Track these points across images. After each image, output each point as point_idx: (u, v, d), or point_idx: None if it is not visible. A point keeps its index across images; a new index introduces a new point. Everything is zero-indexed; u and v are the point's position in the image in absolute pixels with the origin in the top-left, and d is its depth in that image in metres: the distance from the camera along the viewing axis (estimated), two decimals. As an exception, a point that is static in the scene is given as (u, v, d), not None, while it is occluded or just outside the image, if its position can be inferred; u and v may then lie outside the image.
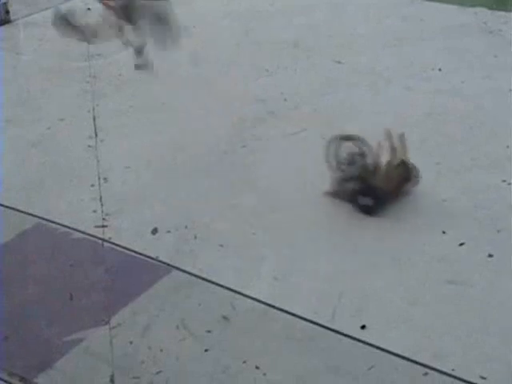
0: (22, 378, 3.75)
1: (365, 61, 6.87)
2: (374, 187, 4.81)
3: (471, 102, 6.08)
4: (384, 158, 4.94)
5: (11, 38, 7.78)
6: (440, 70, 6.61)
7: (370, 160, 4.88)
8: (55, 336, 3.98)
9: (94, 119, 5.85)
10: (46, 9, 8.23)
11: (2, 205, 5.05)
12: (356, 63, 6.82)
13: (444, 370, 3.70)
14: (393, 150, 4.92)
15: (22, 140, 5.85)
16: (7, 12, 7.88)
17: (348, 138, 4.94)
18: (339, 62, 6.83)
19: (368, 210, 4.82)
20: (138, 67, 6.44)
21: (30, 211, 4.96)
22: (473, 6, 7.79)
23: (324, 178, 5.18)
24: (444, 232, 4.69)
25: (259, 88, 6.45)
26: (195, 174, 5.34)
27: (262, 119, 5.98)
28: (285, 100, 6.23)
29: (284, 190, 5.15)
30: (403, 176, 4.93)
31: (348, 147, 4.92)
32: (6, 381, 3.74)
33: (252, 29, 7.58)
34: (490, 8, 7.78)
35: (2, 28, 7.83)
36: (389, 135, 4.93)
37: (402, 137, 4.95)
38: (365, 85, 6.43)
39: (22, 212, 4.96)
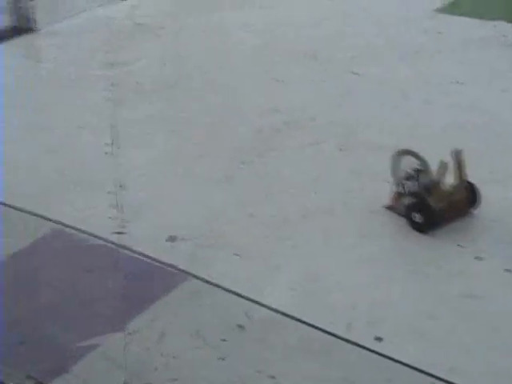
0: (38, 382, 3.74)
1: (382, 73, 6.85)
2: (427, 205, 4.76)
3: (489, 116, 6.06)
4: (446, 177, 4.88)
5: (35, 46, 7.85)
6: (458, 83, 6.59)
7: (428, 177, 4.84)
8: (71, 341, 3.99)
9: (113, 127, 5.86)
10: (69, 18, 8.31)
11: (20, 210, 5.08)
12: (373, 75, 6.81)
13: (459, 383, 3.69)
14: (456, 169, 4.87)
15: (42, 146, 5.88)
16: (33, 21, 7.92)
17: (409, 152, 4.91)
18: (356, 74, 6.83)
19: (419, 228, 4.77)
20: None
21: (48, 216, 4.97)
22: (492, 19, 7.79)
23: (340, 189, 5.20)
24: (460, 245, 4.66)
25: (276, 98, 6.46)
26: (212, 183, 5.34)
27: (278, 130, 5.98)
28: (301, 111, 6.24)
29: (300, 200, 5.14)
30: (462, 197, 4.88)
31: (409, 162, 4.90)
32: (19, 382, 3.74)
33: (269, 40, 7.60)
34: (510, 21, 7.78)
35: (27, 37, 7.87)
36: (455, 156, 4.86)
37: (460, 155, 4.87)
38: (382, 97, 6.42)
39: (39, 217, 4.98)
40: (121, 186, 5.21)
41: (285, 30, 7.81)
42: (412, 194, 4.85)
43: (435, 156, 4.89)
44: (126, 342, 3.97)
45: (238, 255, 4.61)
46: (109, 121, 5.98)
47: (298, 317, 4.11)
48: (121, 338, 3.99)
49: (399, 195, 4.93)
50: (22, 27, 7.86)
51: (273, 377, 3.76)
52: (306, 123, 5.99)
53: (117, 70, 6.94)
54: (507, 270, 4.43)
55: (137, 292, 4.33)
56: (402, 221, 4.86)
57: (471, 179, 4.93)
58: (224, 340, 3.99)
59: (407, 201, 4.86)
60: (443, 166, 4.85)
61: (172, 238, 4.76)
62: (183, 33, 7.88)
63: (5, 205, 5.13)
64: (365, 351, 3.90)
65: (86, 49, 7.46)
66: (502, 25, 7.71)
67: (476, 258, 4.56)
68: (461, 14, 7.94)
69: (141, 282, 4.41)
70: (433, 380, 3.71)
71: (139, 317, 4.14)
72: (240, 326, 4.07)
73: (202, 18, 8.21)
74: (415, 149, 4.94)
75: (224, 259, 4.59)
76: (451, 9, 8.10)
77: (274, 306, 4.19)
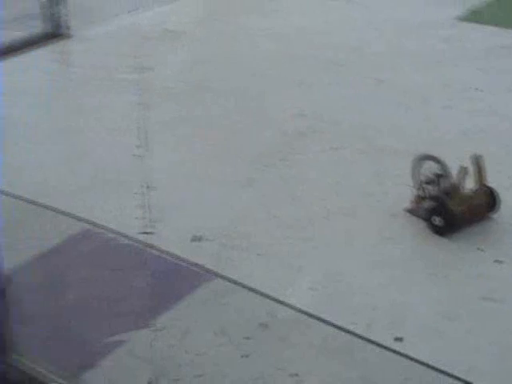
0: (67, 376, 3.75)
1: (404, 79, 6.84)
2: (447, 209, 4.73)
3: (509, 122, 6.03)
4: (466, 182, 4.85)
5: (67, 51, 7.90)
6: (478, 89, 6.55)
7: (448, 182, 4.82)
8: (99, 337, 3.99)
9: (141, 129, 5.87)
10: (100, 24, 8.37)
11: (53, 209, 5.09)
12: (395, 82, 6.80)
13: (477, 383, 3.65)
14: (476, 174, 4.83)
15: (73, 148, 5.91)
16: (66, 27, 7.97)
17: (429, 157, 4.89)
18: (379, 80, 6.81)
19: (439, 231, 4.74)
20: None
21: (79, 216, 4.99)
22: (512, 28, 7.76)
23: (362, 192, 5.18)
24: (479, 249, 4.62)
25: (300, 103, 6.45)
26: (237, 185, 5.34)
27: (302, 134, 5.97)
28: (324, 115, 6.22)
29: (322, 202, 5.12)
30: (481, 201, 4.84)
31: (429, 167, 4.87)
32: (51, 378, 3.74)
33: (293, 46, 7.61)
34: (530, 30, 7.75)
35: (60, 42, 7.92)
36: (475, 161, 4.83)
37: (479, 160, 4.84)
38: (403, 103, 6.39)
39: (70, 216, 5.00)
40: (148, 187, 5.20)
41: (308, 36, 7.82)
42: (432, 198, 4.82)
43: (455, 161, 4.87)
44: (152, 339, 3.96)
45: (261, 255, 4.60)
46: (137, 123, 5.97)
47: (320, 316, 4.09)
48: (147, 335, 3.99)
49: (420, 199, 4.90)
50: (56, 33, 7.91)
51: (295, 375, 3.75)
52: (329, 128, 5.98)
53: (145, 74, 6.94)
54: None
55: (163, 290, 4.32)
56: (423, 224, 4.82)
57: (491, 184, 4.88)
58: (247, 338, 3.98)
59: (427, 204, 4.82)
60: (463, 171, 4.82)
61: (197, 238, 4.76)
62: (209, 39, 7.91)
63: (38, 204, 5.15)
64: (385, 351, 3.88)
65: (116, 54, 7.49)
66: (523, 33, 7.65)
67: (495, 261, 4.52)
68: (482, 22, 7.89)
69: (167, 281, 4.41)
70: (451, 380, 3.67)
71: (165, 314, 4.14)
72: (263, 325, 4.05)
73: (227, 25, 8.24)
74: (436, 154, 4.91)
75: (248, 259, 4.58)
76: (472, 17, 8.07)
77: (296, 306, 4.17)
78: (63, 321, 4.15)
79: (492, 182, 4.90)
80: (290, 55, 7.43)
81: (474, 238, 4.73)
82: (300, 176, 5.44)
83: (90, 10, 8.85)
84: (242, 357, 3.87)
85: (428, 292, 4.31)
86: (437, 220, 4.74)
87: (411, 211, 4.94)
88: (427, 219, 4.80)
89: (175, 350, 3.92)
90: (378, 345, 3.91)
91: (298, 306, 4.17)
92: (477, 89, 6.57)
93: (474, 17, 8.06)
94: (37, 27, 7.98)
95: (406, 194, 4.98)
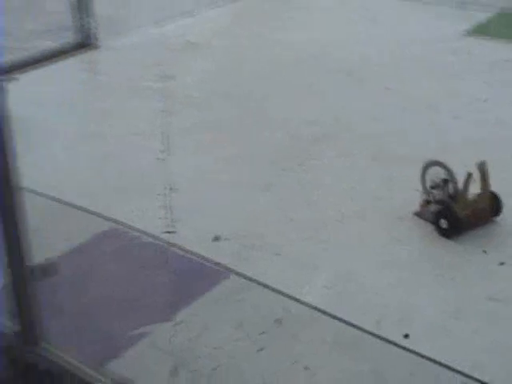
0: (94, 365, 3.77)
1: (414, 90, 6.82)
2: (452, 212, 4.73)
3: (512, 130, 6.02)
4: (471, 187, 4.84)
5: (95, 60, 7.93)
6: (485, 100, 6.54)
7: (454, 187, 4.82)
8: (124, 330, 4.02)
9: (164, 135, 5.89)
10: (126, 35, 8.41)
11: (81, 209, 5.12)
12: (406, 91, 6.78)
13: (483, 380, 3.63)
14: (480, 180, 4.83)
15: (101, 151, 5.94)
16: (95, 38, 8.02)
17: (436, 163, 4.89)
18: (389, 90, 6.80)
19: (444, 233, 4.74)
20: None
21: (105, 215, 5.01)
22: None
23: (373, 196, 5.18)
24: (485, 251, 4.61)
25: (315, 111, 6.46)
26: (255, 188, 5.34)
27: (317, 139, 5.96)
28: (338, 123, 6.22)
29: (336, 206, 5.12)
30: (485, 205, 4.83)
31: (436, 172, 4.87)
32: (98, 378, 3.76)
33: (308, 57, 7.61)
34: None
35: (89, 52, 7.95)
36: (480, 168, 4.82)
37: (483, 166, 4.83)
38: (413, 112, 6.38)
39: (98, 216, 5.02)
40: (170, 189, 5.22)
41: (323, 48, 7.81)
42: (439, 202, 4.82)
43: (462, 167, 4.86)
44: (173, 332, 3.98)
45: (277, 255, 4.61)
46: (160, 129, 6.01)
47: (332, 313, 4.09)
48: (168, 329, 4.01)
49: (427, 203, 4.90)
50: (85, 44, 7.95)
51: (307, 368, 3.75)
52: (342, 134, 5.97)
53: (168, 82, 6.96)
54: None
55: (184, 286, 4.34)
56: (430, 227, 4.82)
57: (495, 190, 4.87)
58: (263, 333, 3.98)
59: (434, 208, 4.82)
60: (468, 177, 4.82)
61: (217, 238, 4.77)
62: (228, 49, 7.93)
63: (68, 204, 5.18)
64: (393, 346, 3.87)
65: (141, 63, 7.52)
66: (528, 47, 7.63)
67: (500, 263, 4.50)
68: (488, 37, 7.87)
69: (188, 278, 4.42)
70: (456, 375, 3.67)
71: (185, 309, 4.15)
72: (278, 321, 4.06)
73: (246, 36, 8.25)
74: (443, 160, 4.90)
75: (265, 259, 4.58)
76: (479, 31, 8.05)
77: (310, 303, 4.17)
78: (90, 314, 4.17)
79: (496, 187, 4.89)
80: (305, 65, 7.44)
81: (479, 240, 4.71)
82: (315, 181, 5.43)
83: (117, 22, 8.89)
84: (258, 351, 3.87)
85: (435, 292, 4.29)
86: (443, 223, 4.74)
87: (419, 214, 4.94)
88: (434, 222, 4.79)
89: (194, 343, 3.93)
90: (387, 341, 3.91)
91: (312, 303, 4.17)
92: (484, 100, 6.55)
93: (479, 31, 8.04)
94: (68, 38, 8.02)
95: (413, 198, 4.97)
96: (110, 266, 4.57)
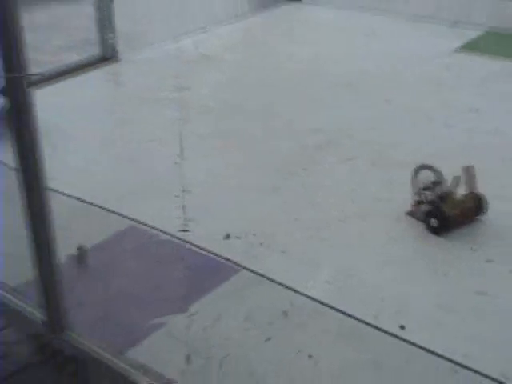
0: (115, 352, 3.78)
1: (410, 101, 6.82)
2: (441, 211, 4.76)
3: (502, 139, 5.99)
4: (458, 189, 4.89)
5: (117, 73, 7.94)
6: (475, 110, 6.53)
7: (443, 188, 4.85)
8: (142, 320, 4.02)
9: (180, 141, 5.90)
10: (145, 49, 8.43)
11: (104, 208, 5.13)
12: (402, 103, 6.78)
13: (472, 367, 3.64)
14: (466, 183, 4.88)
15: (122, 156, 5.95)
16: (116, 52, 8.05)
17: (427, 167, 4.93)
18: (388, 101, 6.80)
19: (434, 231, 4.77)
20: None
21: (126, 215, 5.02)
22: (503, 57, 7.72)
23: (372, 198, 5.17)
24: (473, 249, 4.60)
25: (319, 120, 6.45)
26: (263, 190, 5.34)
27: (320, 146, 5.96)
28: (340, 131, 6.22)
29: (338, 207, 5.12)
30: (471, 205, 4.86)
31: (427, 175, 4.91)
32: (101, 353, 3.78)
33: (314, 71, 7.62)
34: (519, 60, 7.72)
35: (111, 65, 7.98)
36: (466, 171, 4.88)
37: (471, 170, 4.88)
38: (409, 121, 6.38)
39: (119, 215, 5.03)
40: (186, 191, 5.22)
41: (327, 63, 7.83)
42: (429, 202, 4.84)
43: (453, 171, 4.87)
44: (188, 323, 3.98)
45: (284, 253, 4.61)
46: (176, 136, 6.02)
47: (334, 306, 4.09)
48: (183, 319, 4.01)
49: (418, 203, 4.91)
50: (107, 57, 7.98)
51: (311, 356, 3.75)
52: (344, 142, 5.97)
53: (184, 93, 6.98)
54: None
55: (197, 280, 4.34)
56: (422, 226, 4.82)
57: (483, 192, 4.88)
58: (270, 324, 3.98)
59: (425, 208, 4.84)
60: (456, 179, 4.86)
61: (227, 237, 4.76)
62: (239, 63, 7.94)
63: (91, 204, 5.19)
64: (390, 337, 3.87)
65: (159, 75, 7.54)
66: (512, 62, 7.62)
67: (487, 260, 4.49)
68: (478, 53, 7.88)
69: (201, 273, 4.42)
70: (448, 363, 3.67)
71: (199, 301, 4.15)
72: (284, 313, 4.06)
73: (257, 51, 8.26)
74: (437, 165, 4.90)
75: (272, 256, 4.58)
76: (470, 48, 8.05)
77: (313, 297, 4.18)
78: (111, 305, 4.18)
79: (484, 190, 4.90)
80: (310, 77, 7.44)
81: (468, 238, 4.71)
82: (319, 184, 5.43)
83: (136, 37, 8.92)
84: (265, 340, 3.87)
85: (429, 287, 4.29)
86: (433, 221, 4.76)
87: (411, 214, 4.96)
88: (425, 221, 4.82)
89: (207, 332, 3.93)
90: (384, 331, 3.91)
91: (315, 297, 4.17)
92: (474, 110, 6.54)
93: (470, 48, 8.05)
94: (92, 52, 8.05)
95: (409, 199, 4.97)
96: (130, 261, 4.57)
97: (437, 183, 4.86)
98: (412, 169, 4.98)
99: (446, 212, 4.75)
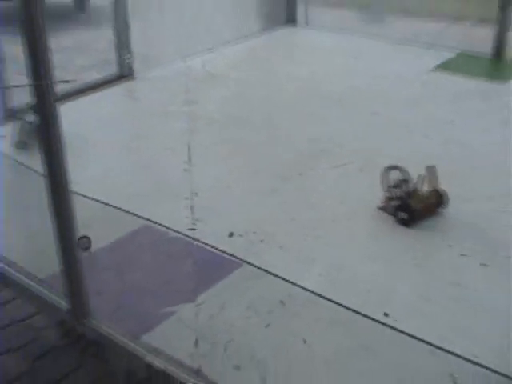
0: (131, 336, 3.78)
1: (393, 114, 6.82)
2: (408, 206, 4.82)
3: (472, 149, 5.99)
4: (423, 186, 4.95)
5: (132, 89, 7.94)
6: (450, 123, 6.53)
7: (410, 186, 4.92)
8: (155, 308, 4.02)
9: (189, 149, 5.88)
10: (158, 68, 8.41)
11: (120, 209, 5.12)
12: (386, 116, 6.78)
13: (447, 349, 3.66)
14: (429, 180, 4.95)
15: (137, 163, 5.95)
16: (132, 70, 8.04)
17: (396, 167, 4.99)
18: (374, 114, 6.79)
19: (404, 223, 4.82)
20: None
21: (140, 215, 5.01)
22: (475, 77, 7.72)
23: (360, 200, 5.16)
24: (450, 246, 4.60)
25: (313, 131, 6.44)
26: (263, 193, 5.34)
27: (314, 154, 5.95)
28: (332, 141, 6.21)
29: (330, 208, 5.11)
30: (434, 200, 4.94)
31: (395, 174, 4.98)
32: (118, 338, 3.78)
33: (309, 87, 7.61)
34: (488, 80, 7.70)
35: (127, 82, 7.97)
36: (429, 170, 4.95)
37: (433, 169, 4.97)
38: (393, 132, 6.38)
39: (134, 215, 5.02)
40: (194, 194, 5.21)
41: (321, 81, 7.83)
42: (398, 198, 4.89)
43: (422, 169, 4.91)
44: (196, 311, 3.97)
45: (282, 249, 4.60)
46: (186, 145, 5.97)
47: (326, 296, 4.09)
48: (191, 308, 4.00)
49: (389, 199, 4.96)
50: (124, 75, 7.97)
51: (305, 341, 3.74)
52: (335, 150, 5.96)
53: (192, 107, 6.96)
54: (483, 265, 4.37)
55: (204, 274, 4.33)
56: (392, 219, 4.84)
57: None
58: (269, 312, 3.98)
59: (394, 203, 4.90)
60: (421, 178, 4.93)
61: (231, 235, 4.75)
62: (243, 80, 7.92)
63: (109, 205, 5.18)
64: (375, 323, 3.88)
65: (170, 91, 7.52)
66: (483, 82, 7.64)
67: (461, 255, 4.49)
68: (451, 72, 7.90)
69: (207, 267, 4.41)
70: (427, 346, 3.67)
71: (206, 292, 4.14)
72: (282, 302, 4.05)
73: (258, 70, 8.25)
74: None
75: (271, 252, 4.57)
76: (443, 69, 8.07)
77: (308, 288, 4.17)
78: (127, 295, 4.17)
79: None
80: (306, 93, 7.43)
81: (445, 236, 4.71)
82: (313, 187, 5.42)
83: (150, 57, 8.89)
84: (265, 327, 3.86)
85: (409, 279, 4.29)
86: (402, 215, 4.82)
87: (383, 208, 5.00)
88: (395, 214, 4.88)
89: (213, 320, 3.92)
90: (370, 318, 3.90)
91: (310, 288, 4.17)
92: (449, 122, 6.55)
93: (444, 68, 8.06)
94: (110, 71, 8.04)
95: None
96: (143, 256, 4.57)
97: (404, 181, 4.93)
98: (382, 168, 5.04)
99: (413, 206, 4.82)
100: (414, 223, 4.82)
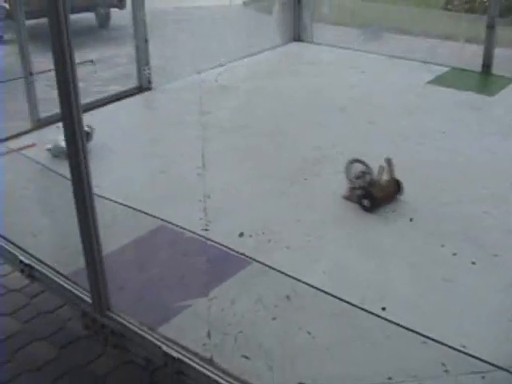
0: (149, 327, 3.80)
1: (390, 123, 6.81)
2: (371, 194, 4.96)
3: (462, 156, 5.97)
4: (383, 176, 5.07)
5: (151, 100, 7.96)
6: (442, 132, 6.52)
7: (371, 176, 5.07)
8: (171, 302, 4.03)
9: (203, 155, 5.91)
10: (174, 80, 8.47)
11: (138, 210, 5.13)
12: (384, 124, 6.77)
13: (437, 339, 3.66)
14: (387, 171, 5.10)
15: (154, 168, 5.94)
16: (150, 82, 8.04)
17: (358, 160, 5.16)
18: (372, 123, 6.78)
19: (367, 209, 4.97)
20: None
21: (157, 216, 5.01)
22: (465, 90, 7.69)
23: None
24: (443, 246, 4.59)
25: (317, 139, 6.43)
26: (271, 196, 5.34)
27: (318, 160, 5.95)
28: (334, 148, 6.20)
29: (333, 210, 5.11)
30: (392, 188, 5.10)
31: (358, 167, 5.14)
32: (138, 329, 3.80)
33: (314, 98, 7.59)
34: (477, 92, 7.67)
35: (146, 93, 7.98)
36: (387, 162, 5.12)
37: (390, 161, 5.13)
38: (389, 140, 6.36)
39: (152, 216, 5.02)
40: (207, 197, 5.23)
41: (323, 91, 7.81)
42: (361, 188, 5.03)
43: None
44: (208, 305, 3.99)
45: (288, 248, 4.59)
46: (199, 151, 6.02)
47: (329, 292, 4.09)
48: (205, 302, 4.01)
49: (353, 189, 5.11)
50: (143, 87, 7.99)
51: (309, 332, 3.75)
52: (337, 156, 5.94)
53: (205, 116, 6.98)
54: (473, 263, 4.36)
55: (216, 270, 4.34)
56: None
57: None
58: (276, 306, 3.98)
59: (359, 192, 5.04)
60: (381, 169, 5.06)
61: (241, 235, 4.75)
62: (252, 92, 7.92)
63: (129, 207, 5.19)
64: (373, 316, 3.87)
65: (185, 102, 7.55)
66: (472, 94, 7.61)
67: (453, 254, 4.48)
68: (445, 85, 7.90)
69: (219, 264, 4.42)
70: (420, 337, 3.66)
71: (218, 288, 4.15)
72: (288, 297, 4.06)
73: (267, 82, 8.24)
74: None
75: (278, 250, 4.57)
76: (438, 82, 8.05)
77: (312, 284, 4.18)
78: (145, 289, 4.19)
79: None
80: (310, 103, 7.42)
81: (438, 236, 4.68)
82: (317, 191, 5.41)
83: (167, 71, 8.96)
84: (272, 319, 3.87)
85: (404, 275, 4.28)
86: (365, 202, 4.96)
87: (347, 198, 5.14)
88: (359, 202, 5.02)
89: (225, 313, 3.93)
90: (369, 312, 3.90)
91: (313, 284, 4.17)
92: (441, 132, 6.53)
93: (439, 82, 8.03)
94: (130, 83, 8.08)
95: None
96: (160, 253, 4.58)
97: (366, 173, 5.08)
98: (346, 162, 5.19)
99: (375, 194, 4.95)
100: (376, 209, 4.95)
